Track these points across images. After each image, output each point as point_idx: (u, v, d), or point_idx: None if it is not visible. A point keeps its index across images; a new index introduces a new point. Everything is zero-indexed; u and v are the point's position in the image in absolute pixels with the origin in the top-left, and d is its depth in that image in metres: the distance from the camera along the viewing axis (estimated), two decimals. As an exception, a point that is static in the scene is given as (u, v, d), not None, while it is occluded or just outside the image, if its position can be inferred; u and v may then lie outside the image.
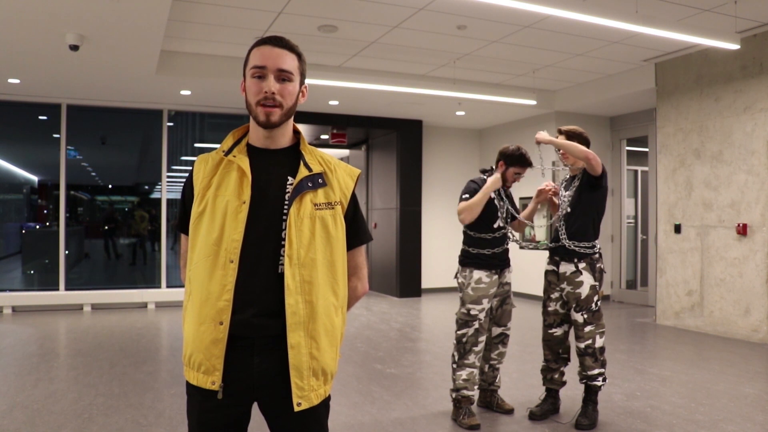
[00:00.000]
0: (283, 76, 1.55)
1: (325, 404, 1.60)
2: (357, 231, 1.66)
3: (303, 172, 1.56)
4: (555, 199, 3.92)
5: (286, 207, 1.53)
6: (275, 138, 1.60)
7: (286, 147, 1.63)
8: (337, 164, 1.65)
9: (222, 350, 1.49)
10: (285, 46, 1.57)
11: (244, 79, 1.59)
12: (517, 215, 3.96)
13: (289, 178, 1.56)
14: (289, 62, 1.56)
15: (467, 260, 3.80)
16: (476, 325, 3.67)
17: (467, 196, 3.72)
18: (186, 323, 1.57)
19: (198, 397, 1.55)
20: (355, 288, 1.70)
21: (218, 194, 1.55)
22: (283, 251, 1.52)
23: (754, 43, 6.01)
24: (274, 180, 1.56)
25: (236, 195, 1.53)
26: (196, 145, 8.84)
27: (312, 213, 1.54)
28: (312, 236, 1.54)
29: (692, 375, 4.79)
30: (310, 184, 1.55)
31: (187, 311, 1.57)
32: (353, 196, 1.64)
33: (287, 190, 1.55)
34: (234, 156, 1.57)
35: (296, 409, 1.51)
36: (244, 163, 1.56)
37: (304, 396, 1.52)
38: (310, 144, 1.66)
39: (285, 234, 1.52)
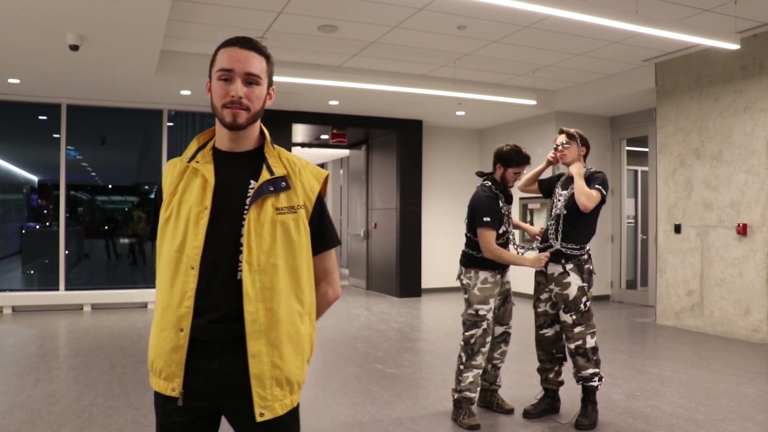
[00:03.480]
0: (250, 79, 1.51)
1: (293, 414, 1.56)
2: (324, 235, 1.61)
3: (265, 176, 1.52)
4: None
5: (245, 212, 1.50)
6: (240, 141, 1.57)
7: (251, 150, 1.59)
8: (303, 166, 1.60)
9: (182, 357, 1.48)
10: (253, 48, 1.53)
11: (210, 79, 1.56)
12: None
13: (251, 182, 1.53)
14: (257, 65, 1.52)
15: (472, 262, 3.78)
16: (484, 325, 3.67)
17: (488, 219, 3.65)
18: (152, 329, 1.56)
19: (161, 403, 1.54)
20: (326, 293, 1.67)
21: (182, 200, 1.53)
22: (242, 257, 1.49)
23: (754, 43, 6.00)
24: (236, 185, 1.53)
25: (199, 201, 1.51)
26: (196, 145, 8.83)
27: (273, 218, 1.50)
28: (273, 242, 1.50)
29: (692, 375, 4.79)
30: (271, 188, 1.52)
31: (154, 317, 1.57)
32: (319, 199, 1.60)
33: (249, 195, 1.51)
34: (197, 162, 1.55)
35: (258, 419, 1.48)
36: (207, 168, 1.54)
37: (267, 406, 1.49)
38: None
39: (243, 240, 1.49)
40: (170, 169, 1.60)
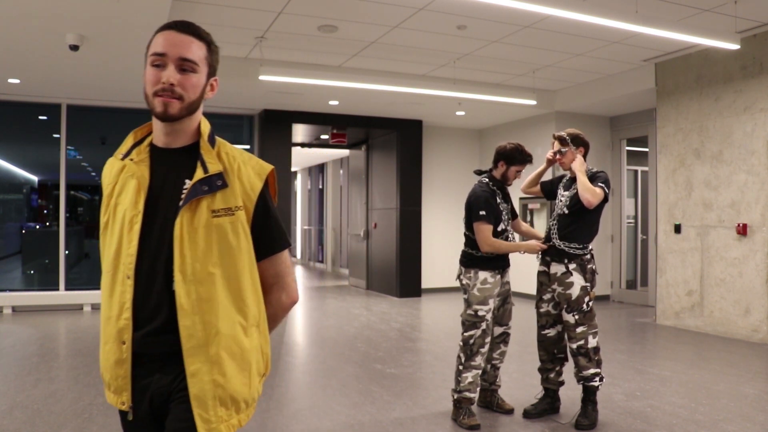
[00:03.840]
0: (185, 66, 1.37)
1: None
2: (270, 237, 1.47)
3: (198, 174, 1.38)
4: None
5: (177, 216, 1.38)
6: (176, 135, 1.43)
7: (187, 146, 1.45)
8: (245, 162, 1.45)
9: (127, 370, 1.39)
10: (192, 32, 1.40)
11: (145, 67, 1.42)
12: (516, 215, 4.01)
13: (186, 181, 1.39)
14: (195, 51, 1.39)
15: (471, 262, 3.78)
16: (483, 326, 3.68)
17: (484, 213, 3.65)
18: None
19: (123, 418, 1.48)
20: (280, 299, 1.53)
21: (118, 203, 1.43)
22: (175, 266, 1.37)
23: (754, 43, 6.00)
24: (170, 185, 1.41)
25: (133, 204, 1.39)
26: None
27: (208, 221, 1.37)
28: (208, 248, 1.37)
29: (692, 375, 4.79)
30: (205, 188, 1.37)
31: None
32: (262, 198, 1.44)
33: (182, 196, 1.38)
34: (132, 159, 1.43)
35: None
36: (141, 167, 1.42)
37: (211, 429, 1.36)
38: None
39: (175, 247, 1.36)
40: (108, 169, 1.49)
